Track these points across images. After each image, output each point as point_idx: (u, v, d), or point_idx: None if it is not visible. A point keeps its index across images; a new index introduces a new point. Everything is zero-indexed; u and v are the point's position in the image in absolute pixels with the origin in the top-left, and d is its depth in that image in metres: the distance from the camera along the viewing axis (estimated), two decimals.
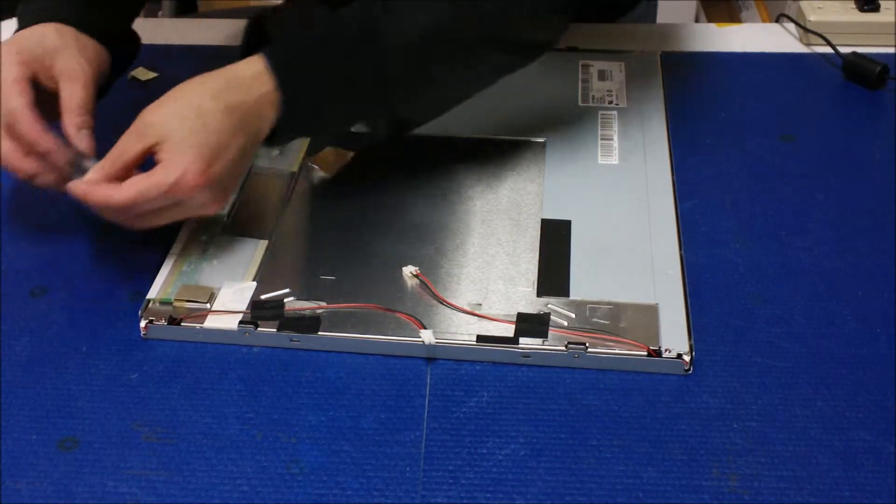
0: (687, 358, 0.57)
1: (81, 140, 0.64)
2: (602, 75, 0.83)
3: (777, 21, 0.94)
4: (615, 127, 0.76)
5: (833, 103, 0.82)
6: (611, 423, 0.55)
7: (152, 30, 0.96)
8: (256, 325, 0.59)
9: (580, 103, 0.80)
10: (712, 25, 0.95)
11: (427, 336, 0.57)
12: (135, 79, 0.87)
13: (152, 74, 0.88)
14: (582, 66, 0.84)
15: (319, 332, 0.59)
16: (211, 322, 0.60)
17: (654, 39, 0.90)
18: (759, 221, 0.69)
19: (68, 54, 0.66)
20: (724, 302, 0.62)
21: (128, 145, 0.60)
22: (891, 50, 0.87)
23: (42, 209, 0.72)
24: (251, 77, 0.62)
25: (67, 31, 0.67)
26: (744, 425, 0.54)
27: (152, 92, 0.85)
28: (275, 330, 0.59)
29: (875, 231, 0.68)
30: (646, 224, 0.66)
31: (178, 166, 0.58)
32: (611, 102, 0.79)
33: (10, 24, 0.96)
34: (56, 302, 0.63)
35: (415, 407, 0.56)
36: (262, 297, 0.61)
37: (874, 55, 0.84)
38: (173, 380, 0.58)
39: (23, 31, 0.67)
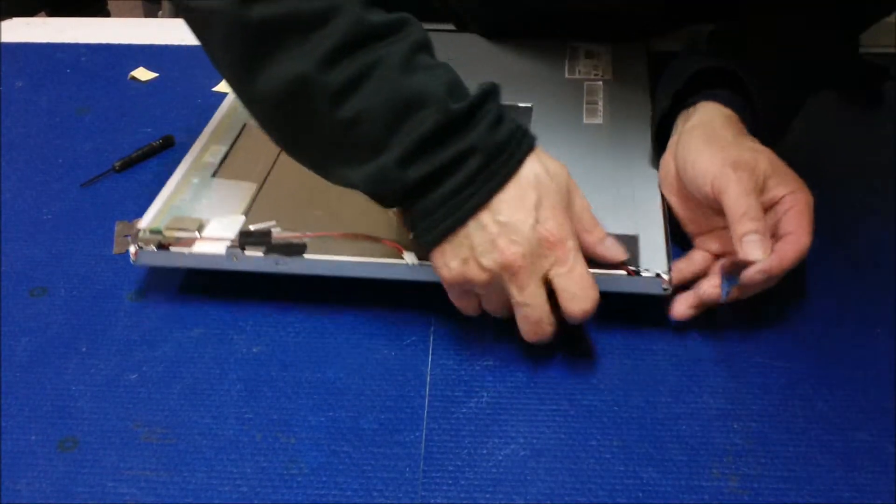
0: (665, 277, 0.57)
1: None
2: (589, 54, 0.83)
3: None
4: (601, 94, 0.77)
5: (832, 103, 0.82)
6: (610, 423, 0.55)
7: (152, 30, 0.96)
8: (243, 250, 0.60)
9: (567, 76, 0.80)
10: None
11: (410, 257, 0.58)
12: (134, 79, 0.87)
13: (152, 74, 0.88)
14: (570, 48, 0.84)
15: (305, 256, 0.59)
16: (199, 247, 0.60)
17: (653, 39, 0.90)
18: None
19: None
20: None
21: (752, 200, 0.58)
22: (891, 50, 0.87)
23: (43, 209, 0.72)
24: None
25: None
26: (744, 425, 0.54)
27: (152, 92, 0.86)
28: (261, 254, 0.60)
29: (875, 231, 0.68)
30: (628, 169, 0.68)
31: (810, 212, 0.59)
32: (596, 76, 0.80)
33: (11, 24, 0.97)
34: (56, 302, 0.63)
35: (414, 407, 0.56)
36: (251, 227, 0.62)
37: (874, 55, 0.84)
38: (173, 380, 0.58)
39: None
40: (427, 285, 0.59)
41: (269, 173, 0.68)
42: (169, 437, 0.54)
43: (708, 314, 0.61)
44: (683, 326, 0.60)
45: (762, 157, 0.60)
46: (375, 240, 0.60)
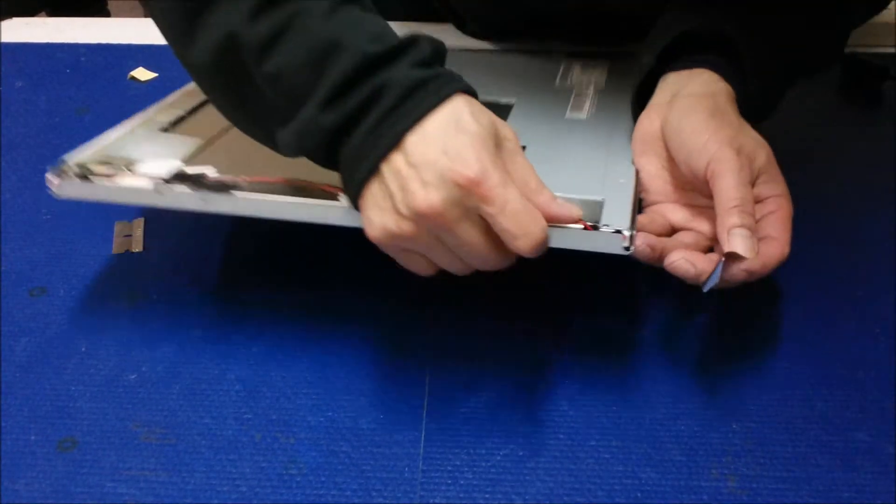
0: (627, 234, 0.52)
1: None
2: (585, 66, 0.81)
3: None
4: (589, 97, 0.74)
5: (832, 103, 0.82)
6: (609, 423, 0.55)
7: (152, 30, 0.96)
8: (169, 184, 0.57)
9: (557, 82, 0.78)
10: None
11: (346, 199, 0.54)
12: (134, 79, 0.87)
13: (152, 74, 0.88)
14: (566, 61, 0.82)
15: (234, 193, 0.56)
16: (124, 181, 0.57)
17: None
18: None
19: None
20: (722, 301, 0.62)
21: (748, 192, 0.55)
22: (891, 50, 0.87)
23: (42, 209, 0.72)
24: None
25: None
26: (743, 426, 0.54)
27: (152, 92, 0.86)
28: (188, 189, 0.56)
29: (875, 231, 0.68)
30: (604, 146, 0.64)
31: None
32: (588, 84, 0.77)
33: (11, 24, 0.97)
34: (56, 302, 0.63)
35: (413, 407, 0.56)
36: (186, 169, 0.58)
37: (874, 55, 0.84)
38: (172, 380, 0.58)
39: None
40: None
41: (220, 134, 0.66)
42: (168, 438, 0.54)
43: (707, 315, 0.61)
44: (683, 325, 0.60)
45: (762, 151, 0.58)
46: (314, 186, 0.56)
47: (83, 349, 0.60)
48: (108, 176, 0.58)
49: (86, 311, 0.63)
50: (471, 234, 0.49)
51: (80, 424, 0.55)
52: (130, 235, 0.69)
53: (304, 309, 0.62)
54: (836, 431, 0.54)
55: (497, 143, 0.50)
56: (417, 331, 0.61)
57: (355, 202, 0.52)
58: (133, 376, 0.58)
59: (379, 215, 0.50)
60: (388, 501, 0.51)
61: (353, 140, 0.50)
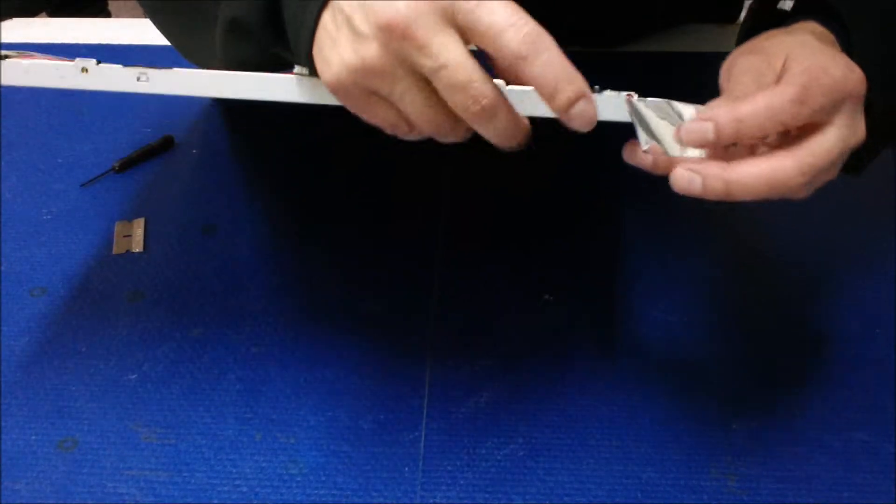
0: (635, 96, 0.46)
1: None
2: None
3: None
4: None
5: None
6: (609, 423, 0.55)
7: (152, 30, 0.96)
8: (98, 63, 0.49)
9: None
10: (710, 25, 0.94)
11: (301, 69, 0.46)
12: None
13: None
14: None
15: (176, 70, 0.49)
16: (42, 60, 0.50)
17: (651, 39, 0.90)
18: None
19: None
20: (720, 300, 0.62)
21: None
22: None
23: (42, 209, 0.72)
24: None
25: None
26: (743, 425, 0.54)
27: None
28: (121, 66, 0.49)
29: (875, 231, 0.68)
30: None
31: None
32: None
33: (11, 24, 0.96)
34: (56, 302, 0.64)
35: (413, 407, 0.56)
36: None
37: None
38: (172, 380, 0.58)
39: None
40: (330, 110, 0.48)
41: None
42: (168, 437, 0.54)
43: (707, 314, 0.61)
44: (683, 324, 0.60)
45: (788, 40, 0.47)
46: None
47: (84, 349, 0.60)
48: (26, 57, 0.50)
49: (86, 311, 0.63)
50: (452, 49, 0.39)
51: (81, 424, 0.55)
52: (130, 235, 0.69)
53: (304, 309, 0.62)
54: (835, 431, 0.54)
55: None
56: (417, 331, 0.61)
57: (308, 50, 0.43)
58: (133, 376, 0.58)
59: (335, 51, 0.41)
60: (388, 501, 0.51)
61: None
